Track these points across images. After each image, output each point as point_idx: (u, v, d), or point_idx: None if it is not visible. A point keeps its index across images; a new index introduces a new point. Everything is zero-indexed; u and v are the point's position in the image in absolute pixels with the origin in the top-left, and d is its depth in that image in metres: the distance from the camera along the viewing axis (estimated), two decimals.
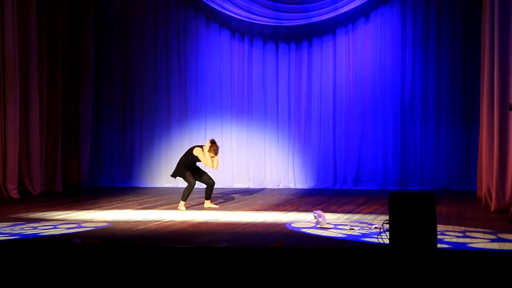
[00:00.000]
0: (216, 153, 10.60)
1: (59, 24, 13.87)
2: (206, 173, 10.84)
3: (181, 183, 14.58)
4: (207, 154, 10.54)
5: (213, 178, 10.81)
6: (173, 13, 14.87)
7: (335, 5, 13.93)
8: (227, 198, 12.25)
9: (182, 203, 10.61)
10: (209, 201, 10.80)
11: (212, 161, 10.62)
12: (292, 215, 9.82)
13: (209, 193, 10.78)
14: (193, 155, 10.65)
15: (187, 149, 11.00)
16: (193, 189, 10.67)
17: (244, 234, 8.01)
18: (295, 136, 14.50)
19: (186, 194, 10.60)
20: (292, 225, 8.72)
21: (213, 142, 10.63)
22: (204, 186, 10.88)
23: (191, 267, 6.32)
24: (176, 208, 10.65)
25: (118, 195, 12.88)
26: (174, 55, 14.87)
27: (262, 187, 14.34)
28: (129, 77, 15.00)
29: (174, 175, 10.95)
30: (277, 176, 14.52)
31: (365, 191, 13.47)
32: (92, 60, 14.64)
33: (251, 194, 13.04)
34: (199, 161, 10.73)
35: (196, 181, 10.69)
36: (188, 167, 10.70)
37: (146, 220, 9.23)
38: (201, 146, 10.76)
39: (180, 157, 10.81)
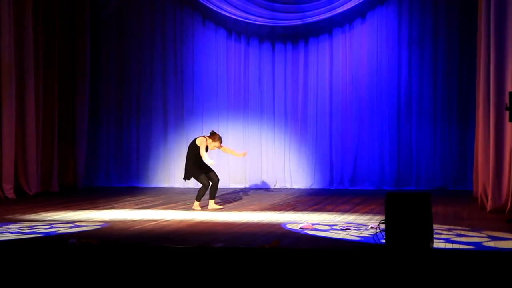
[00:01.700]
0: (221, 141, 10.73)
1: (56, 24, 13.86)
2: (212, 170, 10.76)
3: (178, 183, 14.65)
4: (211, 144, 10.64)
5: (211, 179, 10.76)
6: (169, 13, 14.87)
7: (331, 5, 13.93)
8: (224, 198, 12.24)
9: (196, 203, 10.56)
10: (213, 201, 10.71)
11: (231, 150, 10.97)
12: (288, 215, 9.83)
13: (215, 192, 10.73)
14: (197, 146, 10.57)
15: (189, 145, 10.87)
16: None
17: (241, 234, 8.01)
18: (292, 136, 14.51)
19: (202, 195, 10.57)
20: (288, 225, 8.72)
21: (213, 133, 10.71)
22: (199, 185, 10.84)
23: (188, 267, 6.32)
24: (173, 208, 10.66)
25: (114, 195, 12.88)
26: (170, 55, 14.87)
27: (258, 187, 14.35)
28: (125, 76, 15.00)
29: (186, 177, 10.76)
30: (273, 176, 14.52)
31: (361, 191, 13.48)
32: (88, 60, 14.63)
33: (248, 194, 13.04)
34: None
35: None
36: (197, 164, 10.59)
37: (143, 220, 9.23)
38: (204, 136, 10.74)
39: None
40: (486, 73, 10.34)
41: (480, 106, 10.81)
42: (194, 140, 10.70)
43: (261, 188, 14.24)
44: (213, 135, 10.69)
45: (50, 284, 6.16)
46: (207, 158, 10.49)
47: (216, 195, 10.88)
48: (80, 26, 14.48)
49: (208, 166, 10.71)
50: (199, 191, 10.63)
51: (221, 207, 10.77)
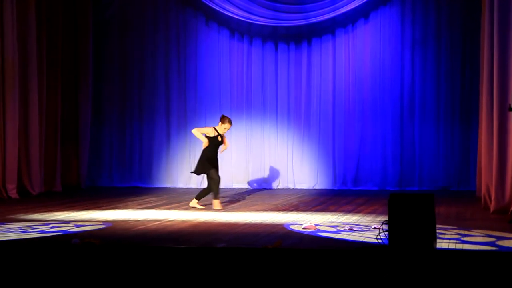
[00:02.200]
0: (230, 123, 10.57)
1: (59, 24, 13.87)
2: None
3: (181, 183, 14.67)
4: (221, 127, 10.54)
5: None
6: (172, 13, 14.87)
7: (334, 6, 13.93)
8: (226, 198, 12.23)
9: (216, 201, 10.46)
10: (197, 201, 10.69)
11: (225, 142, 10.74)
12: (291, 215, 9.82)
13: (205, 194, 10.71)
14: (208, 137, 10.48)
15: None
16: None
17: (243, 234, 8.01)
18: (294, 136, 14.50)
19: (216, 191, 10.47)
20: (291, 225, 8.71)
21: (223, 117, 10.62)
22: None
23: (190, 267, 6.32)
24: (176, 208, 10.66)
25: (117, 195, 12.88)
26: (173, 55, 14.87)
27: (261, 187, 14.34)
28: (128, 77, 15.00)
29: (198, 171, 10.69)
30: (276, 176, 14.51)
31: (364, 192, 13.47)
32: (91, 60, 14.64)
33: (250, 195, 13.03)
34: (221, 143, 10.58)
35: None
36: (211, 160, 10.52)
37: (146, 220, 9.23)
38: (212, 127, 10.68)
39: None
40: (489, 73, 10.32)
41: (483, 106, 10.79)
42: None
43: (264, 188, 14.24)
44: (223, 118, 10.61)
45: (53, 284, 6.16)
46: (200, 136, 10.47)
47: (219, 195, 10.82)
48: (83, 26, 14.50)
49: (217, 166, 10.65)
50: (212, 188, 10.49)
51: (203, 207, 10.63)
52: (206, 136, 10.56)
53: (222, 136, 10.64)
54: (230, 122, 10.62)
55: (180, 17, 14.86)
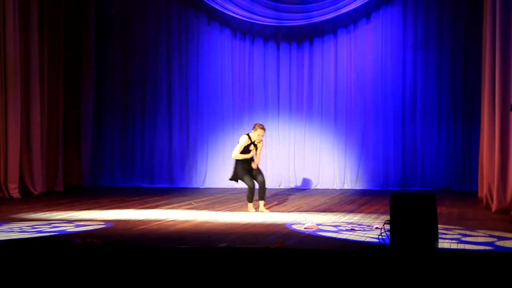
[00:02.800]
0: (262, 128, 10.31)
1: (61, 24, 13.88)
2: (259, 171, 10.45)
3: (182, 183, 14.65)
4: (255, 135, 10.31)
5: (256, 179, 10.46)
6: (174, 13, 14.87)
7: (336, 6, 13.92)
8: (228, 198, 12.23)
9: (250, 205, 10.39)
10: (263, 202, 10.42)
11: (259, 152, 10.44)
12: (293, 215, 9.82)
13: (262, 193, 10.41)
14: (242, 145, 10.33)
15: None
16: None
17: (245, 234, 8.01)
18: (296, 135, 14.49)
19: (250, 197, 10.36)
20: (293, 225, 8.71)
21: (254, 126, 10.39)
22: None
23: (192, 267, 6.32)
24: (178, 208, 10.66)
25: (119, 194, 12.88)
26: (175, 55, 14.87)
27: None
28: (130, 76, 15.00)
29: (234, 178, 10.52)
30: (278, 176, 14.51)
31: (366, 191, 13.46)
32: (93, 59, 14.64)
33: None
34: (250, 148, 10.38)
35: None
36: (242, 166, 10.34)
37: (147, 220, 9.23)
38: (246, 134, 10.47)
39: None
40: (491, 73, 10.31)
41: (485, 106, 10.79)
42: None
43: (266, 188, 14.19)
44: (254, 126, 10.41)
45: (54, 284, 6.16)
46: (239, 156, 10.23)
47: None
48: (85, 26, 14.50)
49: (253, 168, 10.41)
50: (247, 193, 10.41)
51: (268, 211, 10.35)
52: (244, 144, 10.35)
53: (255, 145, 10.39)
54: (262, 127, 10.36)
55: (182, 17, 14.86)
